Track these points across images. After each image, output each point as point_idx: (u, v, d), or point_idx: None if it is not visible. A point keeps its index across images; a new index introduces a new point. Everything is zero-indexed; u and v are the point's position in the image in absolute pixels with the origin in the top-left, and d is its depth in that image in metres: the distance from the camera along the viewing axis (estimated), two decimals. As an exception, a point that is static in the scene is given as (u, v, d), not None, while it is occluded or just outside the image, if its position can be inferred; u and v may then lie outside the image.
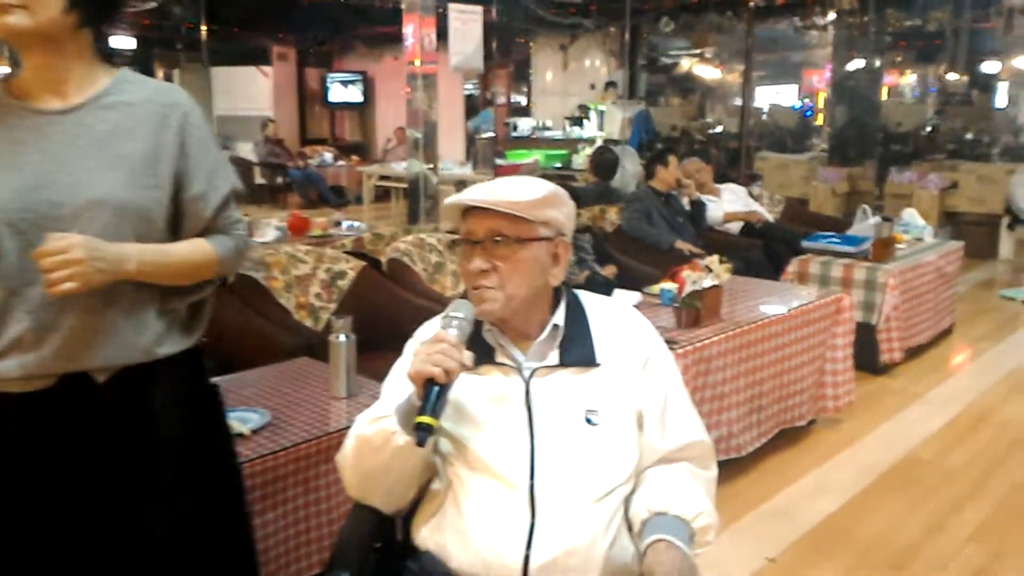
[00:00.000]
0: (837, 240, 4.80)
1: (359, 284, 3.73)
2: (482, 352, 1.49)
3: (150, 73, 12.78)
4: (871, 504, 3.17)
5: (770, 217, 6.02)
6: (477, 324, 1.48)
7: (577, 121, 10.90)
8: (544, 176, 4.65)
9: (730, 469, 3.22)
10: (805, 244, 4.86)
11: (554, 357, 1.49)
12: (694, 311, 3.15)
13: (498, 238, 1.43)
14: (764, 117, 13.26)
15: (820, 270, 4.59)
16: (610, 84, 10.81)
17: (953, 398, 4.29)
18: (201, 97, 13.53)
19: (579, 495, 1.42)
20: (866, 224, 5.15)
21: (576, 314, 1.54)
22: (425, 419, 1.31)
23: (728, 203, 5.77)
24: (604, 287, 3.85)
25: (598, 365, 1.49)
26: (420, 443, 1.33)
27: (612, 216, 5.33)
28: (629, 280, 4.28)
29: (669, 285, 3.43)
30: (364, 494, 1.50)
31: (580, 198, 4.94)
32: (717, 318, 3.26)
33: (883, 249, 4.64)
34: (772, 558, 2.79)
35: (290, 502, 1.98)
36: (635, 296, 3.52)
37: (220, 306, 3.46)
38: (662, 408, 1.52)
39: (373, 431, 1.43)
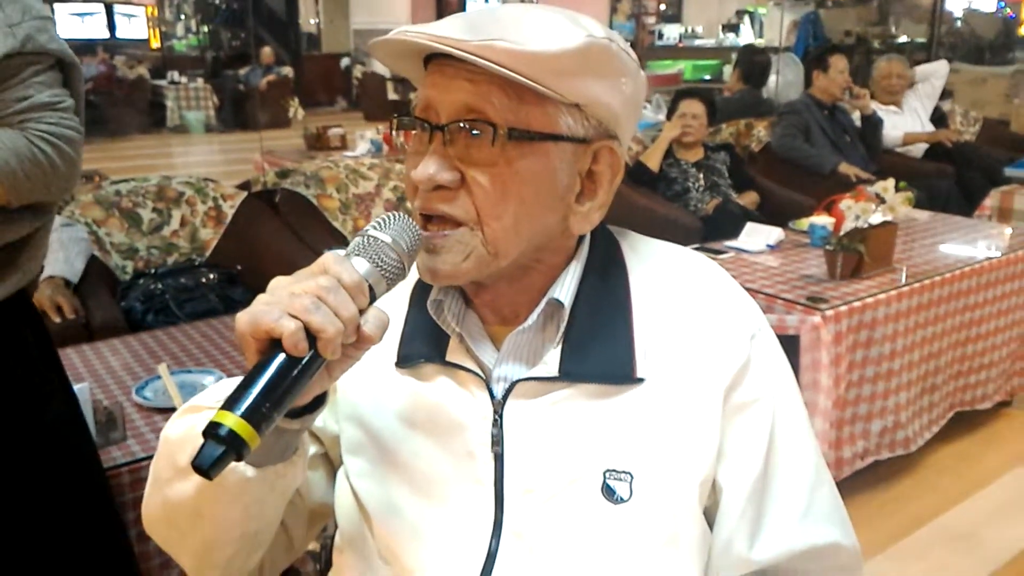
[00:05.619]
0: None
1: (433, 206, 3.11)
2: (422, 339, 0.81)
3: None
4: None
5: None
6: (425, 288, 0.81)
7: (733, 27, 9.68)
8: (689, 91, 3.79)
9: (887, 468, 2.43)
10: (1009, 172, 4.15)
11: (551, 360, 0.78)
12: (854, 256, 2.33)
13: (476, 128, 0.71)
14: (958, 24, 11.51)
15: (1029, 205, 3.70)
16: None
17: None
18: (339, 11, 13.31)
19: None
20: (1096, 148, 4.09)
21: (603, 281, 0.81)
22: (229, 419, 0.60)
23: (909, 117, 4.67)
24: (738, 219, 3.05)
25: (638, 382, 0.77)
26: (200, 467, 0.60)
27: (760, 132, 4.43)
28: (774, 211, 3.45)
29: (822, 219, 2.61)
30: (167, 543, 0.84)
31: (721, 109, 4.08)
32: (887, 267, 2.42)
33: (1120, 181, 3.64)
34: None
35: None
36: (773, 232, 2.71)
37: (259, 227, 2.96)
38: (760, 477, 0.79)
39: (180, 432, 0.76)
